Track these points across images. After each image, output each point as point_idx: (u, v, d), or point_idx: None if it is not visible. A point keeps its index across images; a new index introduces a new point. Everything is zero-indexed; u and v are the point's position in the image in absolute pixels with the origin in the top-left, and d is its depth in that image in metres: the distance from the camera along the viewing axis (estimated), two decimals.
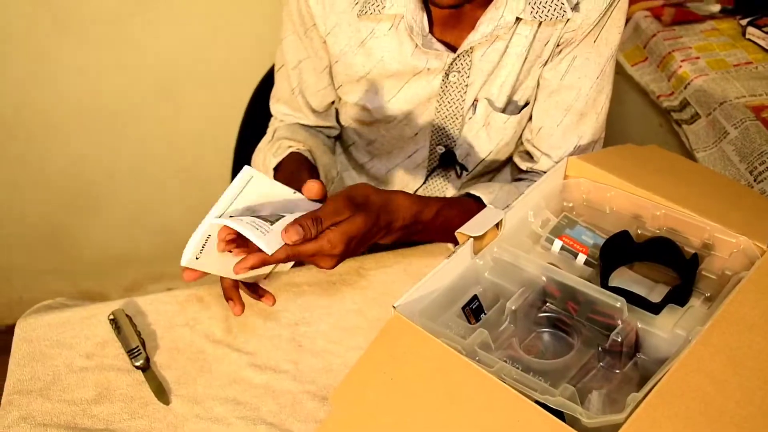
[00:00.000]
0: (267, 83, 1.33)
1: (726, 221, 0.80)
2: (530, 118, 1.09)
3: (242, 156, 1.36)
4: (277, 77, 1.15)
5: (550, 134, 1.07)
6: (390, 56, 1.01)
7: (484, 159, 1.12)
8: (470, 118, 1.07)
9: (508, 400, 0.63)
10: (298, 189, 0.84)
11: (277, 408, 0.86)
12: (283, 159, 1.08)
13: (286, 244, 0.77)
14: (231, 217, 0.78)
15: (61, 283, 2.08)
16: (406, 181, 1.19)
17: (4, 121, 1.80)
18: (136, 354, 0.90)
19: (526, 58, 1.01)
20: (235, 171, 1.35)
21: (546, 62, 1.03)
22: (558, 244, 0.85)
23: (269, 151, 1.10)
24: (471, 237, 0.81)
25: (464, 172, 1.14)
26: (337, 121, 1.20)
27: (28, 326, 0.96)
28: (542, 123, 1.07)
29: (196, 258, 0.78)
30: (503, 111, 1.06)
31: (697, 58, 1.49)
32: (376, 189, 0.86)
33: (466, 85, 1.03)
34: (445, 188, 1.18)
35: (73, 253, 2.05)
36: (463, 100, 1.05)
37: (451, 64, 1.00)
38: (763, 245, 0.77)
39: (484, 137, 1.09)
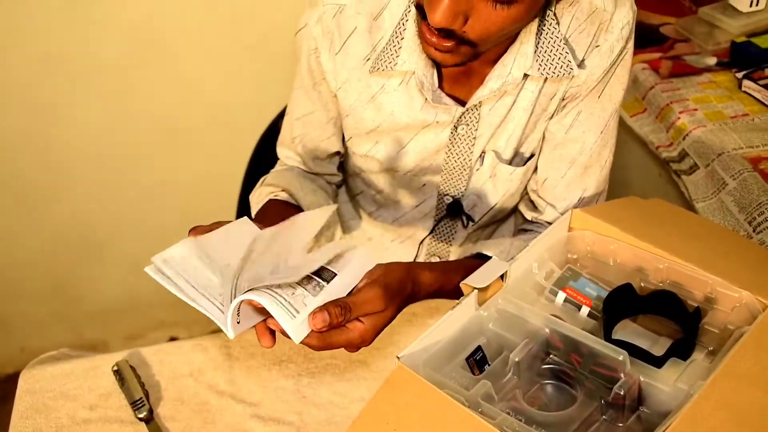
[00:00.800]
0: (271, 132, 1.35)
1: (728, 275, 0.81)
2: (535, 170, 1.11)
3: (246, 205, 1.37)
4: (284, 122, 1.18)
5: (554, 186, 1.09)
6: (400, 110, 1.03)
7: (490, 209, 1.14)
8: (477, 169, 1.09)
9: None
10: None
11: None
12: (262, 207, 1.10)
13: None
14: (251, 289, 0.75)
15: (62, 332, 2.07)
16: (413, 230, 1.20)
17: (10, 170, 1.81)
18: (140, 406, 0.90)
19: (532, 112, 1.03)
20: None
21: (552, 116, 1.05)
22: (562, 296, 0.85)
23: (253, 199, 1.14)
24: (475, 288, 0.82)
25: (470, 222, 1.15)
26: (344, 170, 1.22)
27: (32, 378, 0.96)
28: (547, 175, 1.09)
29: (238, 322, 0.77)
30: (510, 163, 1.08)
31: (695, 109, 1.52)
32: (408, 268, 0.88)
33: (474, 138, 1.05)
34: (451, 236, 1.20)
35: (75, 302, 2.06)
36: (471, 152, 1.07)
37: (460, 117, 1.02)
38: (765, 300, 0.77)
39: (491, 188, 1.11)
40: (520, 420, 0.71)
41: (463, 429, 0.67)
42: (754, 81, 1.54)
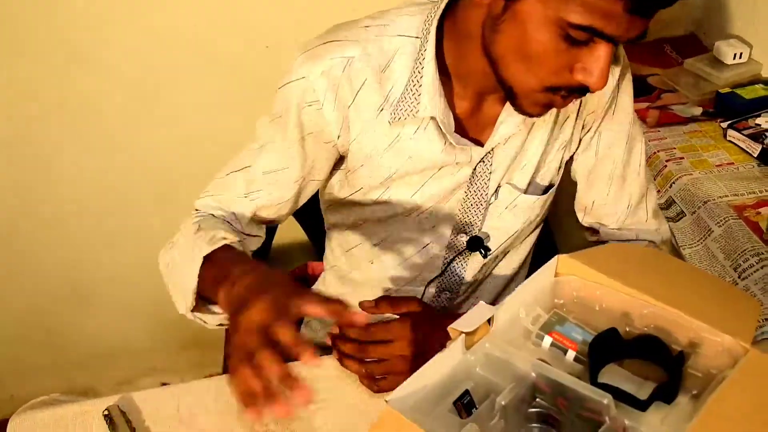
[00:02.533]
0: None
1: (711, 320, 0.82)
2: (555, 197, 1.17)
3: None
4: (230, 177, 1.09)
5: (603, 205, 1.17)
6: (418, 155, 1.04)
7: (507, 239, 1.16)
8: (492, 203, 1.11)
9: None
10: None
11: None
12: (217, 249, 0.98)
13: None
14: None
15: (52, 378, 2.06)
16: (417, 272, 1.18)
17: (2, 219, 1.82)
18: None
19: (547, 142, 1.07)
20: None
21: (568, 144, 1.10)
22: (548, 340, 0.86)
23: (202, 240, 0.98)
24: (463, 332, 0.82)
25: (488, 253, 1.16)
26: (333, 226, 1.21)
27: (22, 423, 0.96)
28: (593, 198, 1.17)
29: None
30: (525, 192, 1.11)
31: (681, 158, 1.55)
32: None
33: (490, 173, 1.07)
34: (463, 271, 1.18)
35: (65, 348, 2.05)
36: (487, 187, 1.09)
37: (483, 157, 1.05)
38: (746, 344, 0.78)
39: (509, 218, 1.13)
40: None
41: None
42: (739, 131, 1.58)
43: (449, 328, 0.84)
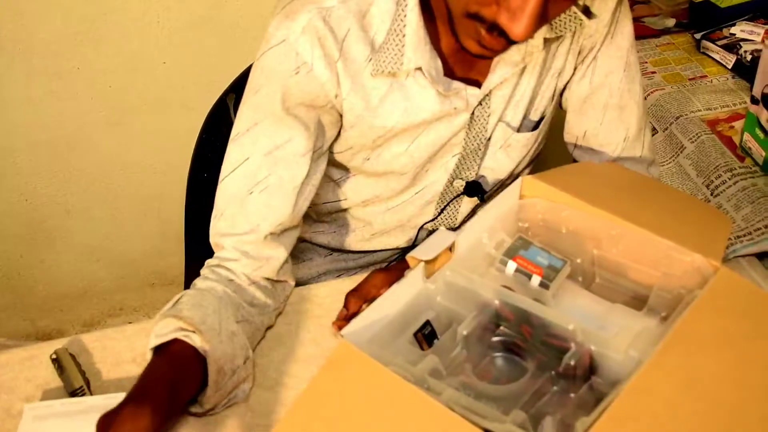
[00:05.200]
0: (219, 109, 1.31)
1: (681, 239, 0.78)
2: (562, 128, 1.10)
3: (196, 184, 1.33)
4: (225, 185, 0.95)
5: (596, 134, 1.08)
6: (414, 107, 0.95)
7: (503, 179, 1.09)
8: (487, 144, 1.05)
9: (457, 430, 0.61)
10: None
11: None
12: (164, 346, 0.84)
13: None
14: None
15: (16, 321, 2.02)
16: (409, 216, 1.11)
17: None
18: (80, 395, 0.87)
19: (540, 73, 1.00)
20: (190, 199, 1.32)
21: (561, 71, 1.03)
22: (512, 265, 0.82)
23: (157, 327, 0.85)
24: (422, 261, 0.79)
25: (484, 196, 1.10)
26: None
27: None
28: (585, 127, 1.08)
29: None
30: (518, 130, 1.04)
31: (654, 72, 1.50)
32: None
33: (488, 116, 1.00)
34: (456, 213, 1.13)
35: (29, 290, 2.00)
36: (486, 131, 1.02)
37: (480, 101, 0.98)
38: (717, 262, 0.75)
39: (503, 158, 1.07)
40: (469, 395, 0.68)
41: (408, 406, 0.64)
42: (713, 41, 1.53)
43: (408, 257, 0.80)
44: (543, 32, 0.93)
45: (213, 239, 0.97)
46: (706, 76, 1.48)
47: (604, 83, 1.04)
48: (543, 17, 0.78)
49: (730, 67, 1.49)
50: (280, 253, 0.96)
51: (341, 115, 0.97)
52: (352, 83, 0.92)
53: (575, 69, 1.04)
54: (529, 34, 0.78)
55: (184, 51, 1.77)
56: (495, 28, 0.80)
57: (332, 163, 1.06)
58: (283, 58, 0.90)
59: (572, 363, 0.70)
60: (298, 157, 0.94)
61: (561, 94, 1.08)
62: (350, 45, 0.90)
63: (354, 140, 0.99)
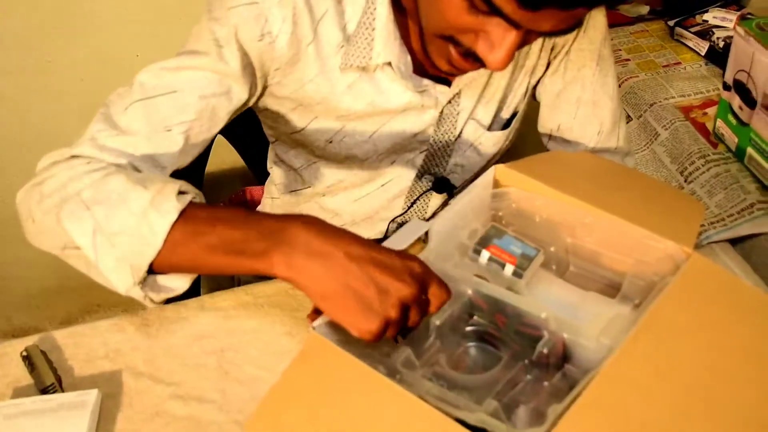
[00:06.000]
0: None
1: (653, 226, 0.79)
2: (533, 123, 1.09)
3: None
4: (140, 106, 0.84)
5: (569, 128, 1.07)
6: (382, 97, 0.94)
7: (472, 176, 1.09)
8: (459, 142, 1.04)
9: (428, 420, 0.61)
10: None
11: None
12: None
13: None
14: None
15: None
16: (377, 209, 1.10)
17: None
18: (51, 392, 0.86)
19: (512, 71, 0.99)
20: None
21: (533, 69, 1.02)
22: (486, 255, 0.82)
23: (156, 191, 0.75)
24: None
25: (453, 192, 1.09)
26: (282, 163, 1.10)
27: None
28: (559, 121, 1.07)
29: None
30: (489, 128, 1.03)
31: (628, 60, 1.50)
32: None
33: (458, 113, 1.00)
34: (425, 208, 1.12)
35: (4, 288, 1.97)
36: (455, 128, 1.01)
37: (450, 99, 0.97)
38: (689, 249, 0.75)
39: (474, 156, 1.06)
40: (442, 385, 0.68)
41: (380, 398, 0.64)
42: (687, 29, 1.53)
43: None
44: None
45: (87, 151, 0.82)
46: (680, 63, 1.49)
47: (577, 77, 1.03)
48: (520, 47, 0.77)
49: (703, 54, 1.49)
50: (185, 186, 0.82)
51: (261, 89, 0.92)
52: (321, 66, 0.91)
53: (548, 65, 1.04)
54: (507, 65, 0.77)
55: (158, 43, 1.75)
56: (470, 54, 0.79)
57: (294, 150, 1.05)
58: (251, 21, 0.84)
59: (545, 351, 0.70)
60: (224, 114, 0.88)
61: (534, 89, 1.07)
62: (325, 27, 0.88)
63: (318, 112, 0.96)
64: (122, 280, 0.76)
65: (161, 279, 0.80)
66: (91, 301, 2.07)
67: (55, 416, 0.81)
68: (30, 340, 0.93)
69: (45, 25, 1.64)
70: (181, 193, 0.76)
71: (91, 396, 0.83)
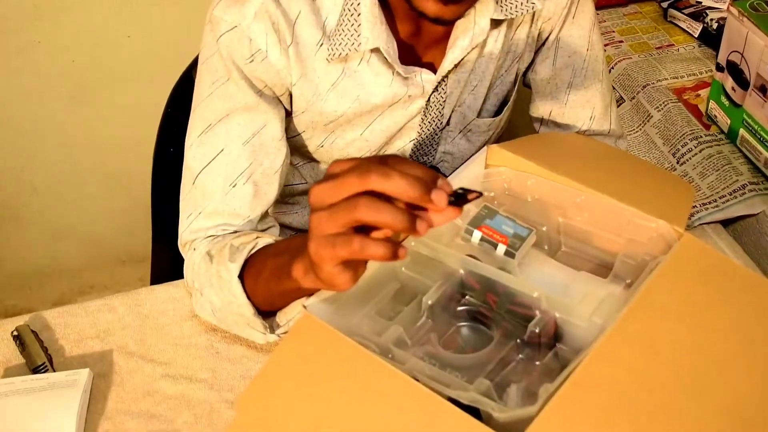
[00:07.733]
0: (184, 82, 1.28)
1: (645, 205, 0.79)
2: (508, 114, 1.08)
3: (162, 159, 1.31)
4: (201, 179, 0.90)
5: (561, 114, 1.07)
6: (367, 92, 0.93)
7: (462, 163, 1.07)
8: (446, 130, 1.03)
9: (420, 399, 0.60)
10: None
11: (193, 419, 0.83)
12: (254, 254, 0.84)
13: None
14: None
15: None
16: None
17: None
18: (42, 372, 0.86)
19: (499, 58, 0.98)
20: (156, 175, 1.30)
21: (520, 57, 1.01)
22: (477, 235, 0.82)
23: (221, 264, 0.83)
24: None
25: None
26: None
27: None
28: (550, 107, 1.07)
29: None
30: (479, 115, 1.03)
31: (621, 41, 1.50)
32: None
33: (444, 101, 0.99)
34: None
35: None
36: (442, 116, 1.00)
37: (437, 85, 0.95)
38: (680, 229, 0.75)
39: (463, 143, 1.06)
40: (434, 364, 0.68)
41: (371, 377, 0.64)
42: (680, 10, 1.53)
43: None
44: (489, 13, 0.91)
45: (189, 237, 0.91)
46: (673, 44, 1.48)
47: (567, 64, 1.03)
48: None
49: (696, 35, 1.49)
50: (270, 221, 0.95)
51: (291, 101, 0.94)
52: (303, 69, 0.90)
53: (537, 52, 1.03)
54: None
55: (149, 24, 1.74)
56: None
57: (290, 148, 1.05)
58: (236, 45, 0.86)
59: (537, 330, 0.70)
60: (276, 141, 0.92)
61: (524, 76, 1.07)
62: (301, 28, 0.88)
63: (306, 125, 0.97)
64: (255, 336, 0.85)
65: (278, 317, 0.86)
66: (84, 282, 2.07)
67: (46, 395, 0.81)
68: (21, 320, 0.93)
69: (35, 6, 1.63)
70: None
71: (83, 375, 0.83)
